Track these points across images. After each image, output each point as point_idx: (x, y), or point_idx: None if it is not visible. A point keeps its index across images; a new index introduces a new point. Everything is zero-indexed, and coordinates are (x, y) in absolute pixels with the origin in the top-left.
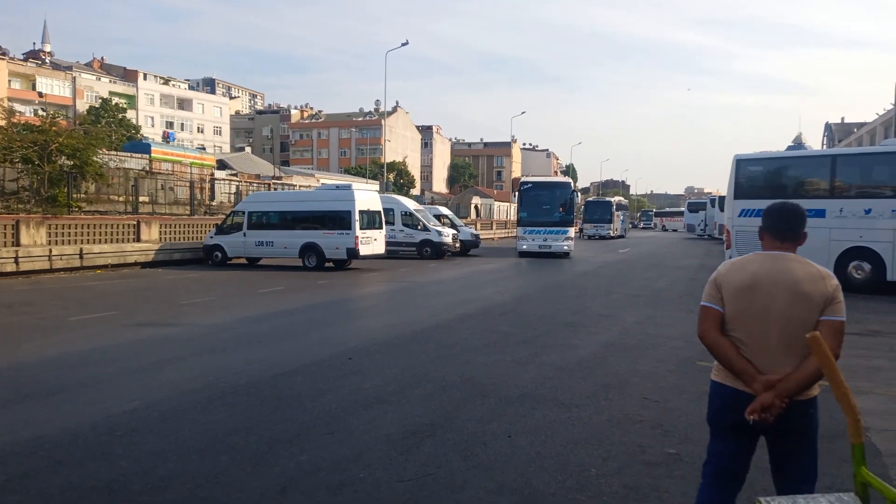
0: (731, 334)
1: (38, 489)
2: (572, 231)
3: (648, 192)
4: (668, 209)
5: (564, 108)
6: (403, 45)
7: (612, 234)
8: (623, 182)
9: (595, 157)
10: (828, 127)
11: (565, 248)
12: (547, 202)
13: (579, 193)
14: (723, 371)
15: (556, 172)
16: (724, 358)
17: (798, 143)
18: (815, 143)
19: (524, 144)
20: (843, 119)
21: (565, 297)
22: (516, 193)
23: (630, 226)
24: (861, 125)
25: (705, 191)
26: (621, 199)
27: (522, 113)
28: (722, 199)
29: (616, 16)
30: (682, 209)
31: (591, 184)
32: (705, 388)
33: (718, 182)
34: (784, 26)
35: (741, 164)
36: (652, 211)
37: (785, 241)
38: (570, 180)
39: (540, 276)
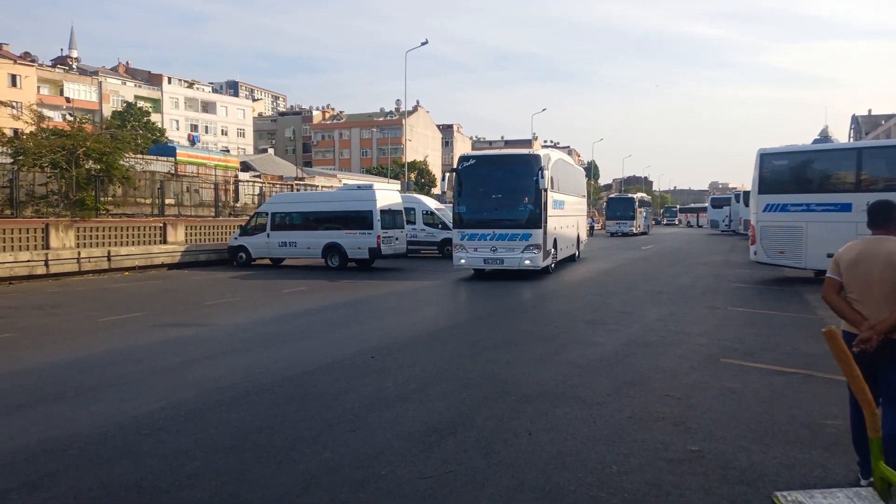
0: (848, 295)
1: (68, 487)
2: (540, 235)
3: (672, 188)
4: (692, 205)
5: (585, 104)
6: (423, 44)
7: (634, 231)
8: (646, 178)
9: (617, 154)
10: (854, 119)
11: (527, 261)
12: (499, 189)
13: (590, 181)
14: (845, 323)
15: None
16: (841, 312)
17: (824, 137)
18: (841, 136)
19: (545, 142)
20: (870, 111)
21: (587, 294)
22: (447, 175)
23: (653, 222)
24: (889, 117)
25: (730, 186)
26: (644, 195)
27: (543, 110)
28: (746, 194)
29: (631, 11)
30: (706, 205)
31: (614, 180)
32: (729, 385)
33: (743, 177)
34: (807, 18)
35: (765, 158)
36: (675, 207)
37: (879, 228)
38: (539, 153)
39: (565, 275)
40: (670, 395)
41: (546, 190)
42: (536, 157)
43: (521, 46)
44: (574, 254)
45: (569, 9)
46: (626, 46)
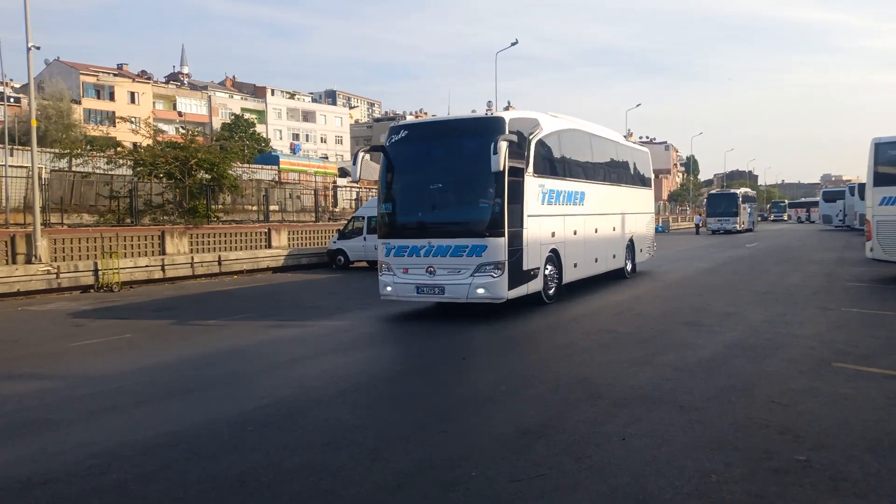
0: None
1: (178, 480)
2: (501, 246)
3: (779, 182)
4: (802, 199)
5: (683, 97)
6: (513, 44)
7: (738, 228)
8: (750, 172)
9: (718, 147)
10: None
11: (480, 289)
12: (440, 174)
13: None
14: None
15: (675, 165)
16: None
17: None
18: None
19: (640, 138)
20: None
21: (685, 294)
22: (361, 157)
23: (759, 218)
24: None
25: (843, 178)
26: (748, 190)
27: (637, 105)
28: (861, 186)
29: None
30: (818, 199)
31: (715, 175)
32: (841, 391)
33: (858, 169)
34: None
35: (880, 147)
36: (783, 202)
37: None
38: (503, 115)
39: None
40: (776, 401)
41: (526, 173)
42: (495, 123)
43: (614, 41)
44: (621, 268)
45: (662, 1)
46: (726, 35)
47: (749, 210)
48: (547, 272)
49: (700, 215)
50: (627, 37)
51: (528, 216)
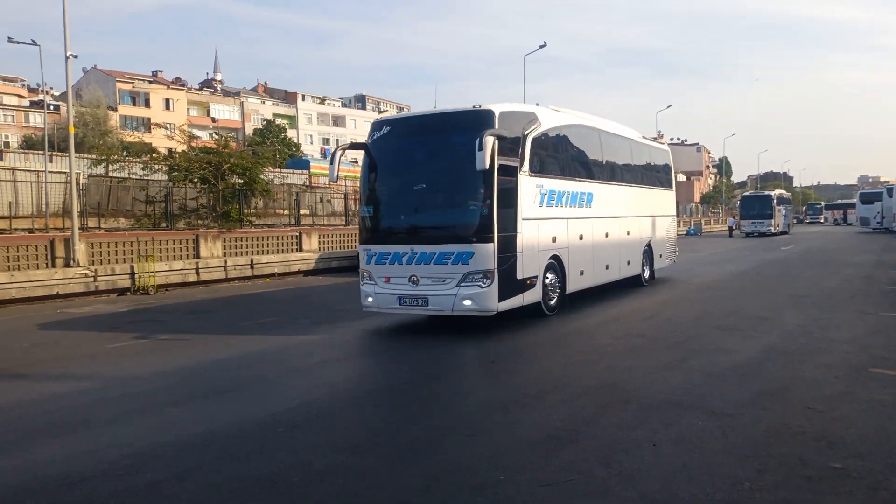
0: None
1: (210, 480)
2: (489, 253)
3: (815, 184)
4: (839, 201)
5: (715, 98)
6: (541, 47)
7: (773, 231)
8: (785, 174)
9: (752, 149)
10: None
11: (467, 301)
12: (423, 174)
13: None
14: None
15: (707, 167)
16: None
17: None
18: None
19: (671, 139)
20: None
21: (718, 298)
22: (338, 155)
23: (794, 220)
24: None
25: (881, 179)
26: (783, 192)
27: (668, 107)
28: None
29: None
30: (854, 201)
31: (749, 177)
32: (879, 397)
33: None
34: None
35: None
36: (819, 204)
37: None
38: (493, 108)
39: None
40: (811, 407)
41: (520, 172)
42: (483, 116)
43: (643, 42)
44: (637, 275)
45: (692, 0)
46: (760, 34)
47: (784, 212)
48: (547, 281)
49: (734, 218)
50: (657, 37)
51: (524, 219)
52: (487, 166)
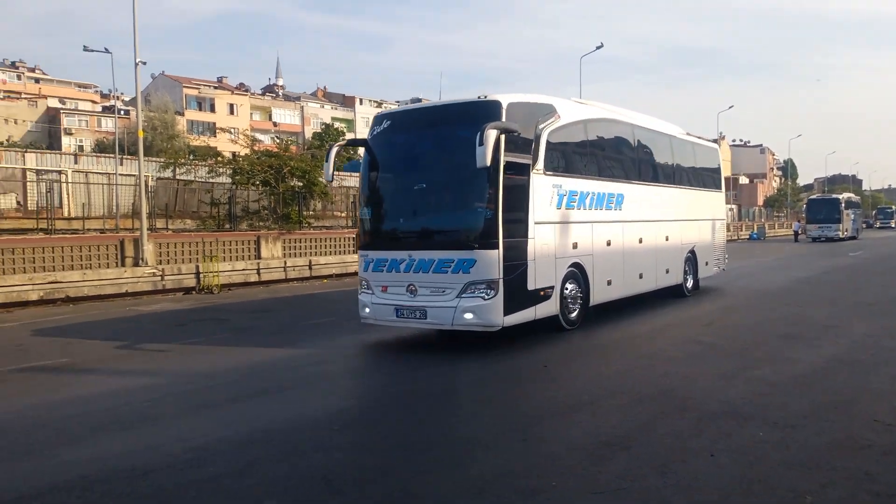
0: None
1: (267, 476)
2: (494, 261)
3: (886, 187)
4: None
5: (781, 99)
6: (598, 48)
7: (840, 236)
8: (853, 177)
9: (819, 151)
10: None
11: (468, 314)
12: (425, 172)
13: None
14: None
15: (771, 169)
16: None
17: None
18: None
19: (733, 141)
20: None
21: (780, 304)
22: (334, 151)
23: (863, 225)
24: None
25: None
26: (851, 195)
27: (730, 107)
28: None
29: None
30: None
31: (815, 180)
32: None
33: None
34: None
35: None
36: (890, 208)
37: None
38: (500, 99)
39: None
40: (880, 420)
41: (533, 170)
42: (488, 108)
43: (704, 41)
44: (678, 284)
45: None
46: (829, 32)
47: (852, 216)
48: (567, 292)
49: (799, 222)
50: (719, 36)
51: (536, 223)
52: (488, 163)
